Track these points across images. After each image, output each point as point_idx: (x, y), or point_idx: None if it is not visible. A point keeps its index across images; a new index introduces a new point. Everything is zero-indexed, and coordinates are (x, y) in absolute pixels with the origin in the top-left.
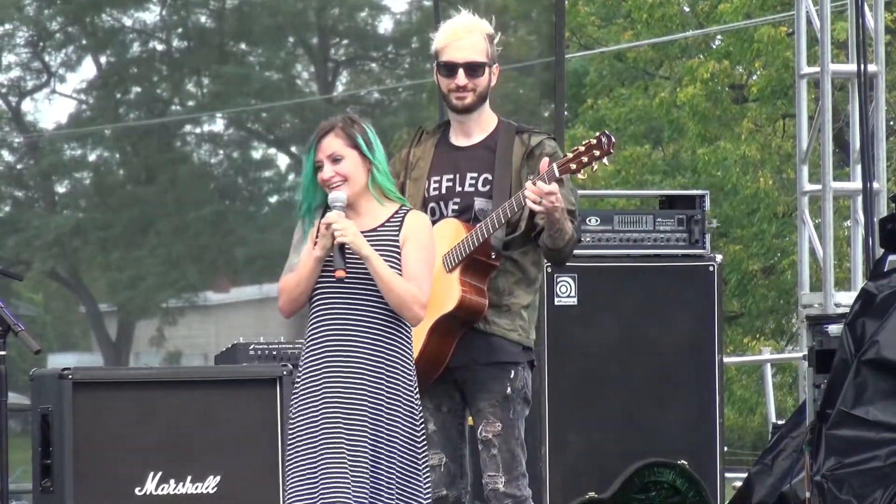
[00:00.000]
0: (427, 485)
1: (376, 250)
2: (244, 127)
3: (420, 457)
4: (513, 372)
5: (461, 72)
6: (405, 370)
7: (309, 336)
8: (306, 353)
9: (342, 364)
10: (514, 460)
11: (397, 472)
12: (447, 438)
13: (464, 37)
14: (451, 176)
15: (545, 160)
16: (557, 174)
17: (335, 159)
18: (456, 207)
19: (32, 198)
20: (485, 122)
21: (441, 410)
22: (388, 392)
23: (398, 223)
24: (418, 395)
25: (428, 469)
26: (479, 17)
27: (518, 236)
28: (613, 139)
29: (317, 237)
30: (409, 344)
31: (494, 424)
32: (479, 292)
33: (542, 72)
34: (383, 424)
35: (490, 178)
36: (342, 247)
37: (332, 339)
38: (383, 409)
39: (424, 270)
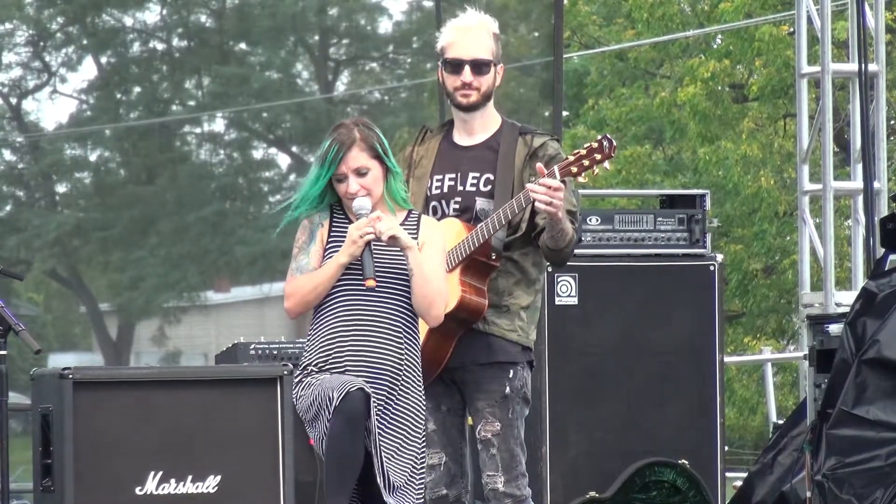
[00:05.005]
0: (420, 482)
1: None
2: (245, 127)
3: (418, 456)
4: (511, 372)
5: (467, 69)
6: (417, 371)
7: (324, 335)
8: (321, 351)
9: (364, 364)
10: (513, 460)
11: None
12: (447, 438)
13: (471, 34)
14: (453, 175)
15: (540, 165)
16: (558, 177)
17: (361, 173)
18: (457, 207)
19: (33, 197)
20: (488, 122)
21: (441, 410)
22: (400, 392)
23: (414, 227)
24: (424, 397)
25: (423, 468)
26: (484, 15)
27: (519, 237)
28: (615, 143)
29: (327, 241)
30: (419, 346)
31: (493, 424)
32: (479, 292)
33: (542, 71)
34: (392, 419)
35: (492, 178)
36: (371, 253)
37: (353, 338)
38: (391, 406)
39: (444, 273)
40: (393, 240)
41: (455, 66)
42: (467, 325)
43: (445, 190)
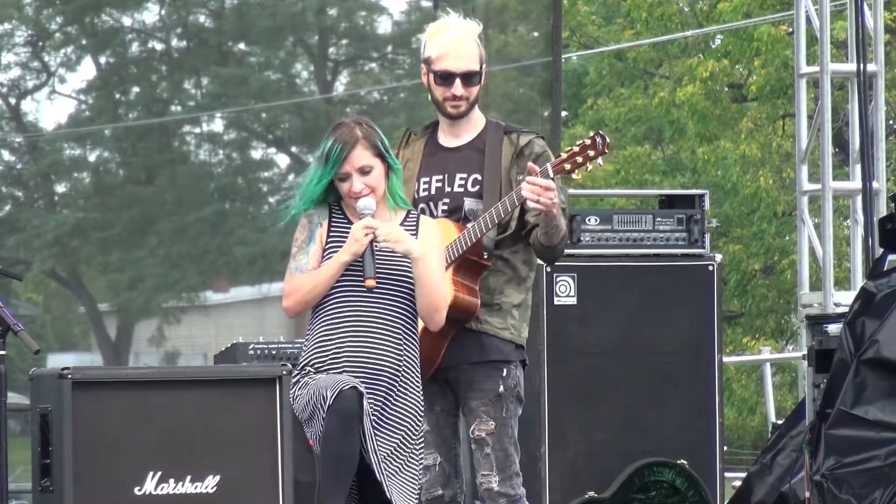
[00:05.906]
0: (417, 481)
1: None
2: (244, 127)
3: (417, 456)
4: (505, 370)
5: (458, 82)
6: (416, 372)
7: (322, 335)
8: (319, 350)
9: (363, 364)
10: (507, 459)
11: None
12: (441, 438)
13: (460, 45)
14: (441, 177)
15: (530, 164)
16: (552, 174)
17: (365, 172)
18: (445, 208)
19: (32, 198)
20: (473, 123)
21: (434, 410)
22: (398, 392)
23: (413, 227)
24: (423, 398)
25: (421, 468)
26: (468, 19)
27: (509, 236)
28: (608, 139)
29: (326, 240)
30: (418, 346)
31: (487, 423)
32: (471, 292)
33: (541, 71)
34: (390, 420)
35: (479, 178)
36: (373, 254)
37: (352, 338)
38: (389, 407)
39: (444, 276)
40: (399, 248)
41: (445, 78)
42: (460, 324)
43: (433, 192)
